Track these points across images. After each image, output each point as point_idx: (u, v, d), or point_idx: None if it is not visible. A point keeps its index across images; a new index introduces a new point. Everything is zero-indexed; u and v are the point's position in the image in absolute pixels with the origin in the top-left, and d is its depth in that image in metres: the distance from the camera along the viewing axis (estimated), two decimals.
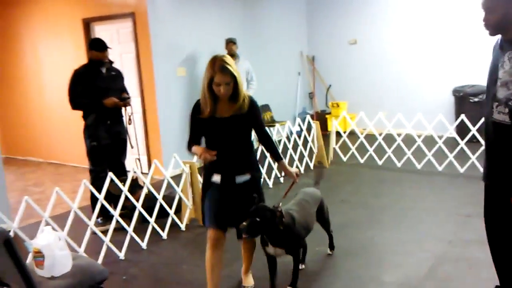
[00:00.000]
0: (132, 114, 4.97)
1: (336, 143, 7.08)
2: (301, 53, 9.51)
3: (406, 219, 4.60)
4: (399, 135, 6.62)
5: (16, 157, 8.56)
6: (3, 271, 2.51)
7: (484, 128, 2.67)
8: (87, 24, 6.94)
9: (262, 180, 3.33)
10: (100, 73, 4.68)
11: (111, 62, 4.83)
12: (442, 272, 3.48)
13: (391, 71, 8.68)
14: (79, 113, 4.73)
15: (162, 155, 6.47)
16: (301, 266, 3.51)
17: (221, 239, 3.01)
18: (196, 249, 4.21)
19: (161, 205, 4.44)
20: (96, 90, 4.58)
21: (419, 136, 6.42)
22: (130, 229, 4.17)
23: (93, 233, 4.00)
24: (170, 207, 4.52)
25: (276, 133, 6.32)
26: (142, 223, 4.39)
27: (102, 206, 4.05)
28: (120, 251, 4.07)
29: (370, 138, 6.87)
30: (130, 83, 5.72)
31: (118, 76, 4.86)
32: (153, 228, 4.37)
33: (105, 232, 4.08)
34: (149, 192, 4.42)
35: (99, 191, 4.03)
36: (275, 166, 5.97)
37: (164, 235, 4.44)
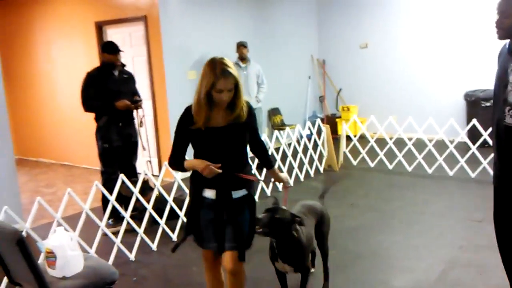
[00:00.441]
0: (144, 116, 5.01)
1: (346, 147, 7.06)
2: (312, 57, 9.51)
3: (417, 223, 4.58)
4: (410, 139, 6.59)
5: (29, 158, 8.67)
6: (15, 270, 2.54)
7: (495, 132, 2.66)
8: (99, 27, 7.01)
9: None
10: (113, 76, 4.73)
11: (123, 65, 4.88)
12: (452, 278, 3.46)
13: (402, 75, 8.64)
14: (91, 115, 4.78)
15: None
16: (312, 270, 3.50)
17: (219, 258, 2.75)
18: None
19: (171, 207, 4.46)
20: (108, 92, 4.63)
21: (430, 141, 6.38)
22: (140, 231, 4.20)
23: (104, 234, 4.03)
24: (180, 209, 4.54)
25: (286, 136, 6.32)
26: (153, 225, 4.42)
27: (113, 207, 4.09)
28: (131, 252, 4.10)
29: (381, 142, 6.84)
30: (142, 86, 5.77)
31: (130, 79, 4.91)
32: (163, 230, 4.39)
33: (116, 234, 4.11)
34: (160, 194, 4.45)
35: (111, 193, 4.06)
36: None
37: (174, 237, 4.46)
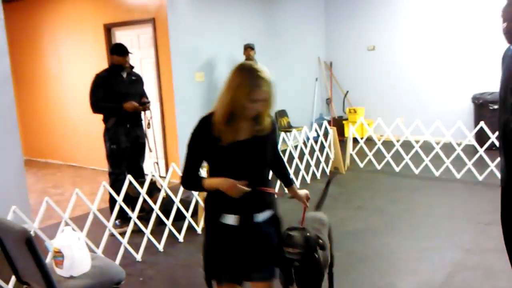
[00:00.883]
0: (151, 118, 5.04)
1: (353, 149, 7.06)
2: (319, 59, 9.52)
3: (423, 226, 4.56)
4: (417, 141, 6.57)
5: (37, 159, 8.74)
6: (23, 269, 2.57)
7: (501, 135, 2.65)
8: (108, 29, 7.07)
9: None
10: (121, 78, 4.77)
11: (131, 67, 4.91)
12: (458, 280, 3.45)
13: (409, 78, 8.62)
14: (99, 116, 4.82)
15: (180, 159, 6.53)
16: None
17: None
18: None
19: (178, 208, 4.48)
20: (117, 94, 4.66)
21: (437, 143, 6.36)
22: (147, 232, 4.22)
23: (111, 234, 4.06)
24: (187, 211, 4.56)
25: (293, 138, 6.33)
26: (159, 225, 4.44)
27: (121, 208, 4.12)
28: (137, 253, 4.12)
29: (388, 144, 6.83)
30: (150, 88, 5.81)
31: (138, 81, 4.95)
32: (170, 231, 4.41)
33: (123, 234, 4.13)
34: (167, 195, 4.47)
35: (118, 194, 4.09)
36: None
37: (180, 238, 4.48)
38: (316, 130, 6.75)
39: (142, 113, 4.92)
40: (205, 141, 2.20)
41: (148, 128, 5.00)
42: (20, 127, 5.21)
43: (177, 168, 4.54)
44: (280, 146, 5.96)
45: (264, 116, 2.24)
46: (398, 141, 6.66)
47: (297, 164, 6.14)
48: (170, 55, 6.49)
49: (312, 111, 9.37)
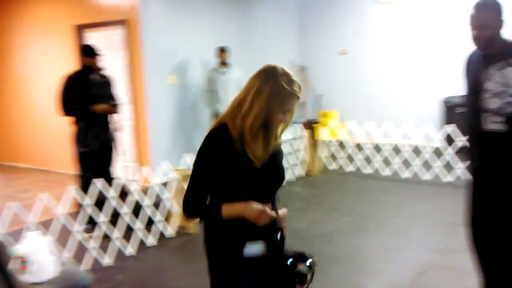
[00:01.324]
0: (121, 121, 4.99)
1: (326, 152, 7.13)
2: (293, 62, 9.58)
3: (393, 227, 4.64)
4: (387, 144, 6.69)
5: (4, 163, 8.51)
6: None
7: (472, 139, 2.73)
8: (78, 30, 6.96)
9: None
10: (91, 80, 4.70)
11: (102, 69, 4.85)
12: (426, 280, 3.52)
13: (381, 81, 8.76)
14: (68, 119, 4.74)
15: (152, 162, 6.47)
16: None
17: None
18: (184, 256, 4.23)
19: (149, 212, 4.44)
20: (86, 96, 4.60)
21: (407, 146, 6.49)
22: (117, 236, 4.16)
23: (80, 239, 3.99)
24: (160, 214, 4.52)
25: None
26: (130, 230, 4.39)
27: (91, 212, 4.05)
28: (107, 258, 4.06)
29: (359, 147, 6.92)
30: (121, 90, 5.74)
31: (108, 83, 4.89)
32: (141, 235, 4.37)
33: (92, 239, 4.07)
34: (138, 199, 4.42)
35: (89, 197, 4.02)
36: None
37: (152, 242, 4.43)
38: (290, 133, 6.79)
39: (112, 115, 4.86)
40: (227, 160, 1.80)
41: (117, 131, 4.94)
42: None
43: (148, 171, 4.50)
44: None
45: (283, 128, 1.96)
46: (369, 143, 6.76)
47: None
48: (142, 56, 6.44)
49: None
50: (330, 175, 6.80)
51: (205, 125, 7.14)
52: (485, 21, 2.53)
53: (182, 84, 6.98)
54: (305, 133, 6.83)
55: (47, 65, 7.48)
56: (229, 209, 1.82)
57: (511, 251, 2.69)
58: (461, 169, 5.85)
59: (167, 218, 4.67)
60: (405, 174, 6.35)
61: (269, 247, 1.90)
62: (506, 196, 2.62)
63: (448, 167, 6.07)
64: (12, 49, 7.99)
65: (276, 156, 1.96)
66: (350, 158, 6.89)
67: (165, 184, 4.69)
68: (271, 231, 1.91)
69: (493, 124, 2.57)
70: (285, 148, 6.40)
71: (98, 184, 4.05)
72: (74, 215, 4.56)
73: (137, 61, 6.48)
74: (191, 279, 3.73)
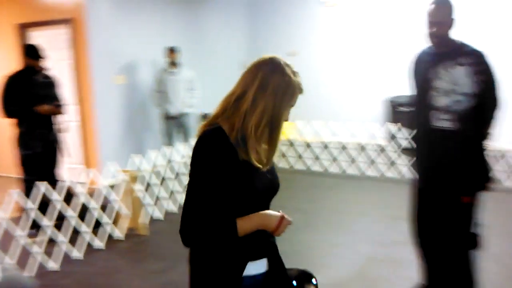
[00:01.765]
0: (67, 122, 4.88)
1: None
2: (243, 63, 9.64)
3: (340, 222, 4.80)
4: (334, 142, 6.89)
5: None
6: None
7: (421, 136, 2.82)
8: (22, 30, 6.71)
9: None
10: (35, 80, 4.57)
11: (46, 69, 4.73)
12: (370, 272, 3.68)
13: (329, 82, 8.99)
14: (10, 121, 4.58)
15: (100, 163, 6.35)
16: None
17: None
18: (133, 258, 4.19)
19: (97, 215, 4.37)
20: (30, 97, 4.47)
21: (353, 144, 6.72)
22: (63, 240, 4.07)
23: (24, 244, 3.87)
24: (108, 217, 4.46)
25: None
26: (77, 233, 4.30)
27: (35, 216, 3.94)
28: (52, 262, 3.96)
29: (308, 145, 7.09)
30: (67, 91, 5.60)
31: (52, 83, 4.76)
32: (88, 238, 4.29)
33: (38, 243, 3.96)
34: (84, 201, 4.34)
35: (32, 201, 3.91)
36: None
37: (99, 245, 4.36)
38: None
39: (56, 116, 4.74)
40: (230, 169, 1.52)
41: (62, 132, 4.83)
42: None
43: (95, 173, 4.43)
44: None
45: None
46: (317, 142, 6.95)
47: None
48: (88, 56, 6.30)
49: None
50: (280, 174, 6.85)
51: (155, 126, 7.09)
52: (443, 18, 2.61)
53: (130, 84, 6.88)
54: None
55: None
56: (245, 224, 1.54)
57: (452, 245, 2.84)
58: (403, 166, 6.13)
59: (116, 220, 4.61)
60: (352, 171, 6.57)
61: (271, 265, 1.68)
62: (451, 192, 2.73)
63: (391, 163, 6.34)
64: None
65: (274, 164, 1.76)
66: (299, 157, 7.05)
67: (113, 186, 4.63)
68: (272, 246, 1.69)
69: (441, 121, 2.67)
70: None
71: (41, 187, 3.95)
72: (17, 219, 4.42)
73: (84, 61, 6.34)
74: (141, 282, 3.71)
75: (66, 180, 4.22)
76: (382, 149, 6.59)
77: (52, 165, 4.75)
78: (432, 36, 2.66)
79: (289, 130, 7.70)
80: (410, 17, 7.78)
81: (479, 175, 2.73)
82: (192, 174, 1.54)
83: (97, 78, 6.40)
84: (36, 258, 3.86)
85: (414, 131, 2.94)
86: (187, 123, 6.88)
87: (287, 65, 1.62)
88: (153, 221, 4.95)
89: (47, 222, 3.99)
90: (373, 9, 8.43)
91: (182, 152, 5.60)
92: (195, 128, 7.86)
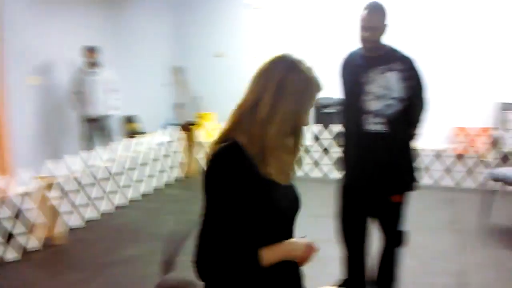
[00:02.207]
0: None
1: (204, 153, 7.18)
2: (170, 63, 9.49)
3: None
4: None
5: None
6: None
7: (354, 139, 2.85)
8: None
9: None
10: None
11: None
12: None
13: None
14: None
15: (13, 170, 5.93)
16: None
17: None
18: (50, 269, 3.95)
19: (9, 225, 4.06)
20: None
21: None
22: None
23: None
24: (22, 226, 4.16)
25: (143, 144, 6.20)
26: None
27: None
28: None
29: None
30: None
31: None
32: (1, 250, 3.98)
33: None
34: None
35: None
36: None
37: (13, 256, 4.06)
38: (167, 135, 6.71)
39: None
40: (252, 188, 1.35)
41: None
42: None
43: (7, 181, 4.12)
44: (131, 152, 5.79)
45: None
46: None
47: (150, 169, 6.04)
48: (1, 55, 5.87)
49: (163, 116, 9.27)
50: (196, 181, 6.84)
51: (74, 129, 6.74)
52: (377, 23, 2.66)
53: (47, 85, 6.50)
54: (183, 135, 6.81)
55: None
56: (269, 254, 1.38)
57: (381, 243, 2.95)
58: (327, 166, 6.31)
59: (31, 230, 4.32)
60: None
61: None
62: (381, 192, 2.81)
63: (316, 163, 6.50)
64: None
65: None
66: None
67: (27, 194, 4.33)
68: (297, 278, 1.54)
69: (373, 125, 2.72)
70: (162, 151, 6.32)
71: None
72: None
73: None
74: None
75: None
76: (307, 150, 6.73)
77: None
78: (365, 41, 2.71)
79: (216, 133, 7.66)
80: (336, 19, 8.04)
81: (408, 175, 2.83)
82: (207, 199, 1.36)
83: (10, 79, 5.97)
84: None
85: (347, 133, 2.94)
86: (109, 126, 6.63)
87: (301, 61, 1.45)
88: (72, 229, 4.70)
89: None
90: (297, 11, 8.62)
91: (103, 157, 5.38)
92: (117, 131, 7.62)
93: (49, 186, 4.40)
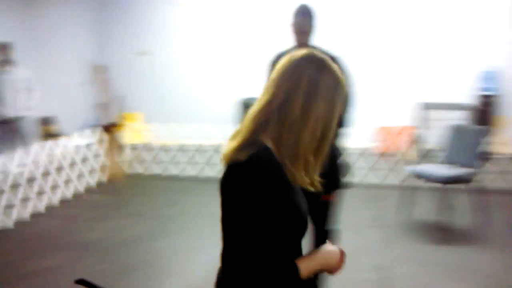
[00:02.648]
0: None
1: (130, 155, 6.89)
2: (92, 62, 9.02)
3: (196, 227, 4.69)
4: (192, 145, 6.79)
5: None
6: None
7: None
8: None
9: None
10: None
11: None
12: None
13: (184, 82, 8.88)
14: None
15: None
16: None
17: None
18: None
19: None
20: None
21: (209, 145, 6.69)
22: None
23: None
24: None
25: (62, 146, 5.81)
26: None
27: None
28: None
29: (165, 148, 6.88)
30: None
31: None
32: None
33: None
34: None
35: None
36: None
37: None
38: (88, 137, 6.35)
39: None
40: (288, 197, 1.28)
41: None
42: None
43: None
44: (44, 156, 5.38)
45: None
46: (175, 145, 6.78)
47: (68, 174, 5.67)
48: None
49: (84, 117, 8.80)
50: (134, 179, 6.58)
51: None
52: (309, 27, 2.72)
53: None
54: (105, 136, 6.47)
55: None
56: (308, 266, 1.30)
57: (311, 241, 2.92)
58: None
59: None
60: (209, 173, 6.53)
61: None
62: (311, 191, 2.80)
63: None
64: None
65: None
66: (154, 160, 6.79)
67: None
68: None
69: None
70: (81, 154, 5.96)
71: None
72: None
73: None
74: None
75: None
76: None
77: None
78: (299, 43, 2.76)
79: (143, 133, 7.40)
80: (262, 18, 8.05)
81: (339, 174, 2.88)
82: (237, 210, 1.25)
83: None
84: None
85: None
86: (23, 128, 6.17)
87: (330, 61, 1.35)
88: None
89: None
90: (225, 9, 8.54)
91: (17, 161, 4.96)
92: (32, 133, 7.11)
93: None
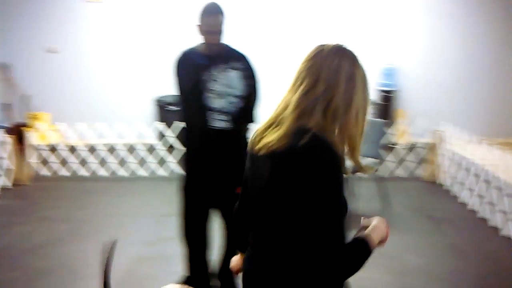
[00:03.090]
0: None
1: (38, 157, 6.57)
2: None
3: (110, 227, 4.62)
4: (103, 144, 6.63)
5: None
6: None
7: (198, 136, 2.87)
8: None
9: None
10: None
11: None
12: (138, 272, 3.64)
13: (94, 81, 8.58)
14: None
15: None
16: None
17: None
18: None
19: None
20: None
21: (122, 145, 6.57)
22: None
23: None
24: None
25: None
26: None
27: None
28: None
29: (73, 149, 6.64)
30: None
31: None
32: None
33: None
34: None
35: None
36: None
37: None
38: None
39: None
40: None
41: None
42: None
43: None
44: None
45: None
46: (85, 145, 6.56)
47: None
48: None
49: None
50: (42, 183, 6.28)
51: None
52: (220, 26, 2.71)
53: None
54: (9, 138, 6.12)
55: None
56: (374, 241, 1.37)
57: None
58: (172, 163, 6.28)
59: None
60: (122, 172, 6.42)
61: None
62: (228, 185, 2.85)
63: (161, 162, 6.43)
64: None
65: None
66: (63, 162, 6.54)
67: None
68: None
69: (218, 122, 2.79)
70: None
71: None
72: None
73: None
74: None
75: None
76: (152, 148, 6.62)
77: None
78: (210, 44, 2.76)
79: (51, 134, 7.09)
80: (175, 16, 8.01)
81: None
82: (330, 194, 1.27)
83: None
84: None
85: (190, 130, 2.96)
86: None
87: (354, 51, 1.40)
88: None
89: None
90: (138, 7, 8.39)
91: None
92: None
93: None
